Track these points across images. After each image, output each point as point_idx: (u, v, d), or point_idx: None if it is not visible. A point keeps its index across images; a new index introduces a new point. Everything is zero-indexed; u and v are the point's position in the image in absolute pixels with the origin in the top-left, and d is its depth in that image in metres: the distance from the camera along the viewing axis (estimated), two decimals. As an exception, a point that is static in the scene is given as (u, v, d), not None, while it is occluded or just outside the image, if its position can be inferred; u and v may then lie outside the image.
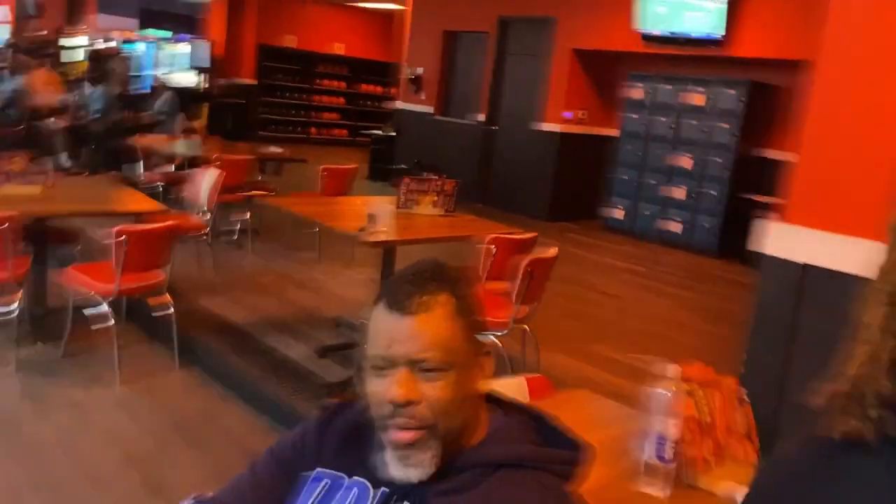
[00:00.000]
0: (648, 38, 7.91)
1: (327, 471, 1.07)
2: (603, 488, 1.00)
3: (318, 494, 1.05)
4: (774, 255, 1.96)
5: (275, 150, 7.26)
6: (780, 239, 1.94)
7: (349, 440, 1.08)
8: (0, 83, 8.94)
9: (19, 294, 3.74)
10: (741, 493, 1.40)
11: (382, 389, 0.96)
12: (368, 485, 1.03)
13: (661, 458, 1.54)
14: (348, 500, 1.03)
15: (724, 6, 7.26)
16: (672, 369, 1.57)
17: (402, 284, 0.99)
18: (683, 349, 4.48)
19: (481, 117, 9.73)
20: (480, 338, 1.03)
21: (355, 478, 1.05)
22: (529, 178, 9.13)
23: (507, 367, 3.56)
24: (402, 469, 0.97)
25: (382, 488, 1.01)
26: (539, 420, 1.08)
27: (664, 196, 8.04)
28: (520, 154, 9.32)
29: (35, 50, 11.09)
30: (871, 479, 0.57)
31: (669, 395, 1.54)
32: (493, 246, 3.59)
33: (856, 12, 1.84)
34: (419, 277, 0.99)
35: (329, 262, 6.07)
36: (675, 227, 7.94)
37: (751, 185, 7.50)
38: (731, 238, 7.49)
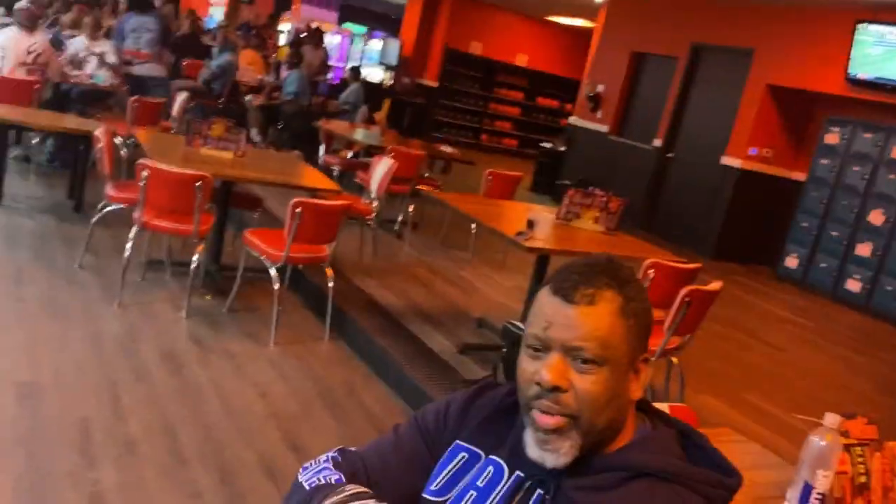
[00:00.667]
0: (853, 81, 7.37)
1: (466, 445, 1.08)
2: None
3: (455, 466, 1.07)
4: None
5: (446, 149, 7.45)
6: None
7: (492, 420, 1.09)
8: (211, 59, 9.80)
9: (201, 248, 4.08)
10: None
11: (533, 370, 0.97)
12: (505, 466, 1.03)
13: (808, 511, 1.44)
14: (482, 476, 1.04)
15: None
16: (831, 418, 1.46)
17: (571, 273, 0.98)
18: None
19: (658, 143, 9.47)
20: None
21: (492, 457, 1.05)
22: (701, 211, 8.77)
23: (648, 396, 3.44)
24: (539, 451, 0.96)
25: (518, 472, 1.02)
26: (688, 436, 1.04)
27: (846, 250, 7.44)
28: (694, 185, 8.97)
29: (246, 32, 12.07)
30: None
31: (824, 443, 1.43)
32: (653, 270, 3.49)
33: None
34: (590, 269, 0.98)
35: (480, 265, 6.15)
36: (855, 285, 7.33)
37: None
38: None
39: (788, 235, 8.03)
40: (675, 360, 3.69)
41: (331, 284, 4.10)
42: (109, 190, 4.43)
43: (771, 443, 3.60)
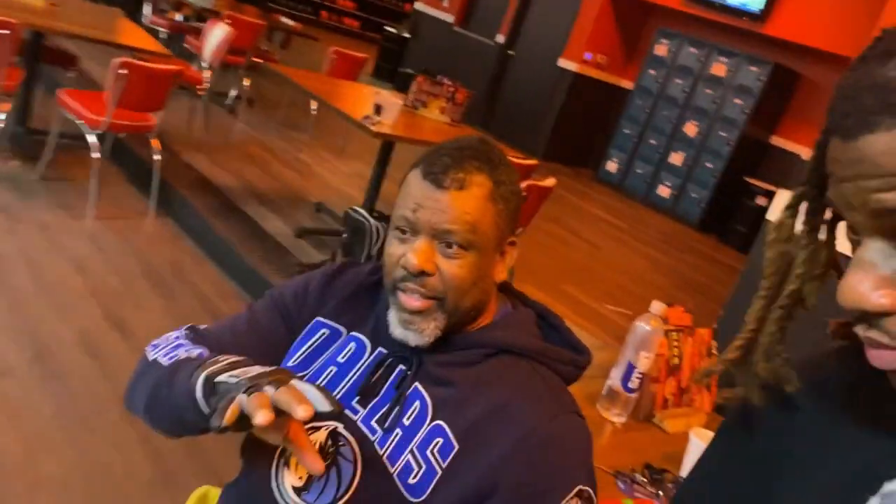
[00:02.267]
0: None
1: (327, 321, 1.07)
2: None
3: (314, 343, 1.06)
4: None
5: (287, 21, 7.04)
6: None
7: (354, 298, 1.08)
8: None
9: (6, 107, 3.64)
10: (695, 432, 1.44)
11: (399, 252, 0.96)
12: (367, 343, 1.03)
13: (625, 387, 1.58)
14: (343, 352, 1.03)
15: (769, -19, 7.11)
16: (656, 306, 1.59)
17: (441, 156, 0.96)
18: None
19: (501, 39, 9.51)
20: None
21: (354, 334, 1.05)
22: (535, 112, 9.01)
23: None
24: (403, 331, 0.97)
25: (380, 349, 1.02)
26: (544, 317, 1.08)
27: (661, 159, 8.01)
28: (531, 85, 9.16)
29: None
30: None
31: (649, 328, 1.56)
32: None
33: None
34: (460, 152, 0.96)
35: (319, 148, 6.00)
36: (665, 191, 7.95)
37: (748, 168, 7.51)
38: (716, 214, 7.54)
39: (611, 141, 8.49)
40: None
41: (157, 157, 3.82)
42: None
43: (587, 329, 3.92)
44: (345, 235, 3.44)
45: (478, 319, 1.02)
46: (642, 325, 1.57)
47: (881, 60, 0.47)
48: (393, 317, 0.98)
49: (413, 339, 0.96)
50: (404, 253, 0.95)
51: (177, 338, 1.04)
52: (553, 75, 8.85)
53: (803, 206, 0.59)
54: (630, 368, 1.57)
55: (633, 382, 1.57)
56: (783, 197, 2.03)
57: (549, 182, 3.62)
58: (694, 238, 7.36)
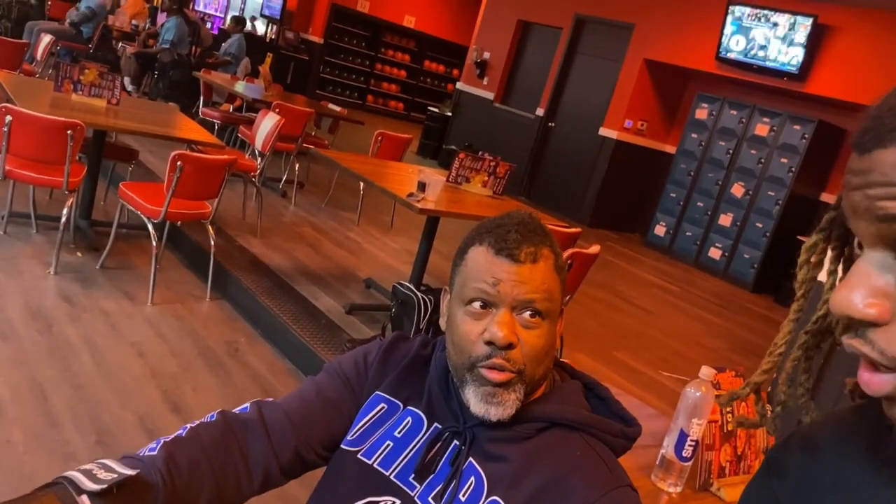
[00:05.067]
0: (723, 61, 7.81)
1: (386, 396, 1.09)
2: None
3: (373, 417, 1.07)
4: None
5: (334, 108, 7.32)
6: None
7: (409, 372, 1.10)
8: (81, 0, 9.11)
9: (70, 202, 3.84)
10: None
11: (478, 329, 0.97)
12: (424, 417, 1.05)
13: (679, 455, 1.55)
14: (400, 427, 1.05)
15: (804, 40, 7.14)
16: (706, 370, 1.58)
17: (508, 232, 0.99)
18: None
19: (540, 112, 9.70)
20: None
21: (410, 408, 1.07)
22: (578, 180, 9.09)
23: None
24: (485, 406, 0.97)
25: (436, 424, 1.04)
26: (591, 388, 1.09)
27: (710, 221, 7.95)
28: (573, 155, 9.28)
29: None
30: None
31: (699, 394, 1.55)
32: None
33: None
34: (525, 228, 1.00)
35: (367, 226, 6.13)
36: (716, 253, 7.86)
37: (799, 225, 7.40)
38: (770, 273, 7.41)
39: (658, 205, 8.48)
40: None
41: (212, 242, 3.97)
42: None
43: (641, 397, 3.85)
44: (393, 310, 3.48)
45: (533, 393, 1.03)
46: (692, 391, 1.56)
47: None
48: (471, 393, 0.98)
49: (494, 413, 0.97)
50: (483, 330, 0.97)
51: (151, 448, 0.96)
52: (594, 143, 8.96)
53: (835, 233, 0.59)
54: (683, 436, 1.55)
55: (687, 451, 1.55)
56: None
57: (594, 249, 3.64)
58: (747, 299, 7.22)
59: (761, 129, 7.59)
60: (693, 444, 1.55)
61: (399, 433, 1.05)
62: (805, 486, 0.66)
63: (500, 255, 0.97)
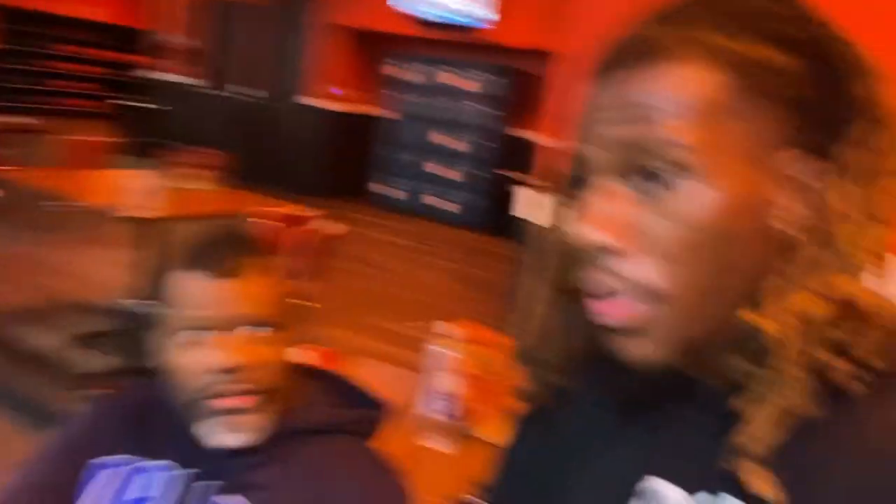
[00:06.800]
0: (414, 20, 8.13)
1: (124, 456, 0.97)
2: (382, 445, 1.03)
3: (117, 482, 0.95)
4: (529, 218, 2.14)
5: (13, 120, 6.47)
6: (532, 205, 2.13)
7: (145, 422, 0.99)
8: None
9: None
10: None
11: (204, 359, 0.89)
12: (174, 466, 0.95)
13: (444, 413, 1.63)
14: (154, 483, 0.94)
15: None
16: (443, 326, 1.66)
17: (211, 248, 0.93)
18: (451, 315, 4.74)
19: (248, 91, 9.41)
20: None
21: (157, 461, 0.96)
22: (298, 155, 9.02)
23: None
24: (226, 435, 0.91)
25: (188, 469, 0.95)
26: (337, 383, 1.08)
27: (428, 172, 8.36)
28: (288, 130, 9.16)
29: None
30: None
31: (443, 351, 1.63)
32: (274, 222, 3.53)
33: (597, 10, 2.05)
34: (233, 240, 0.95)
35: (79, 244, 5.56)
36: (442, 203, 8.33)
37: (514, 165, 8.06)
38: (493, 214, 7.99)
39: (379, 166, 8.74)
40: (313, 304, 3.81)
41: None
42: None
43: (399, 357, 3.96)
44: (122, 330, 3.23)
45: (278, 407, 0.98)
46: (435, 348, 1.63)
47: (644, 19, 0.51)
48: (208, 427, 0.91)
49: (238, 440, 0.91)
50: (206, 358, 0.89)
51: None
52: (306, 116, 8.93)
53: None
54: (435, 394, 1.62)
55: (444, 406, 1.63)
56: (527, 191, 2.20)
57: (339, 229, 3.66)
58: (480, 240, 7.72)
59: (459, 81, 8.09)
60: (447, 397, 1.63)
61: (135, 494, 0.94)
62: (550, 446, 0.64)
63: (213, 275, 0.91)
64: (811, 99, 0.48)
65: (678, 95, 0.47)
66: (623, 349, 0.51)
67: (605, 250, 0.49)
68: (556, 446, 0.64)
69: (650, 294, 0.48)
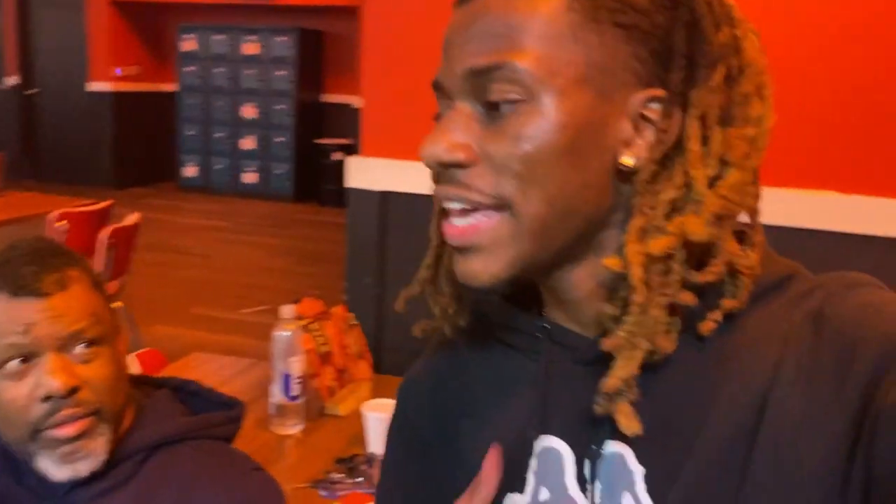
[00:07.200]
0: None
1: None
2: (238, 440, 1.00)
3: None
4: (357, 186, 2.11)
5: None
6: (360, 171, 2.10)
7: None
8: None
9: None
10: (366, 407, 1.52)
11: (26, 390, 0.82)
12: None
13: (289, 396, 1.59)
14: None
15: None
16: (287, 310, 1.62)
17: (19, 267, 0.84)
18: (282, 293, 4.62)
19: (13, 80, 8.46)
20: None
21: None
22: (87, 144, 8.26)
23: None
24: (69, 466, 0.84)
25: None
26: (180, 389, 1.03)
27: (234, 148, 8.02)
28: (70, 118, 8.35)
29: None
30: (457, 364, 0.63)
31: (289, 334, 1.59)
32: (65, 222, 3.23)
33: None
34: (38, 255, 0.86)
35: None
36: (251, 177, 8.01)
37: (315, 130, 7.89)
38: (305, 181, 7.82)
39: (180, 146, 8.24)
40: (120, 304, 3.55)
41: None
42: None
43: (232, 344, 3.83)
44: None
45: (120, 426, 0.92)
46: (280, 333, 1.59)
47: None
48: (47, 461, 0.84)
49: (83, 468, 0.85)
50: (33, 387, 0.82)
51: None
52: (91, 101, 8.19)
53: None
54: (287, 378, 1.58)
55: (295, 389, 1.59)
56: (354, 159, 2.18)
57: (133, 219, 3.41)
58: (294, 211, 7.56)
59: (251, 48, 7.75)
60: (299, 380, 1.60)
61: None
62: (440, 408, 0.63)
63: (21, 296, 0.83)
64: (672, 42, 0.49)
65: (521, 21, 0.48)
66: (464, 269, 0.52)
67: (454, 164, 0.50)
68: (458, 392, 0.62)
69: (497, 204, 0.50)
